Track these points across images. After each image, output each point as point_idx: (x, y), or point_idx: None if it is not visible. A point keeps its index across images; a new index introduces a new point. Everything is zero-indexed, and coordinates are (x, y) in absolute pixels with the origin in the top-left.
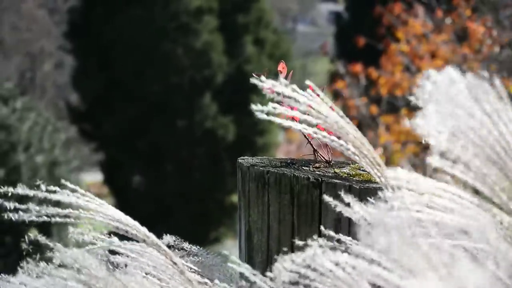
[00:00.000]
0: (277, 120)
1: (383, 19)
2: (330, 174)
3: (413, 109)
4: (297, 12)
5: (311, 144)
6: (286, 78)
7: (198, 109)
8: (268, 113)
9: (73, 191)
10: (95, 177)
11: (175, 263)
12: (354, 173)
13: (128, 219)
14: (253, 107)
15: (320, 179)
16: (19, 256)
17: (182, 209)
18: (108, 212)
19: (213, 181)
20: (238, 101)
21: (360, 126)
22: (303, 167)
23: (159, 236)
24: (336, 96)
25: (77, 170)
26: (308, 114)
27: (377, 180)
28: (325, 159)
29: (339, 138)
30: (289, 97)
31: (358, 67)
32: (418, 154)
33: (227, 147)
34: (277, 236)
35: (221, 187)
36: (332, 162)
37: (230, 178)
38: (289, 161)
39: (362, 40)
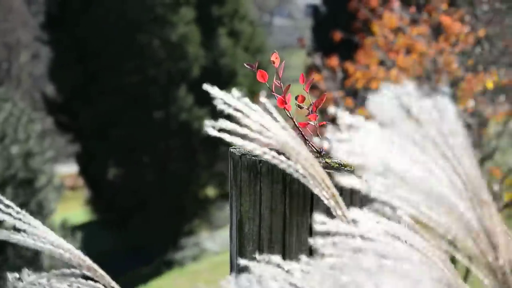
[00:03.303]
0: (227, 137)
1: (359, 12)
2: (321, 164)
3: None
4: (274, 5)
5: (303, 134)
6: (278, 68)
7: (174, 101)
8: (220, 130)
9: (7, 206)
10: (70, 168)
11: None
12: (345, 163)
13: (62, 243)
14: (206, 122)
15: None
16: None
17: (157, 201)
18: (42, 234)
19: (188, 173)
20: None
21: (336, 119)
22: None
23: (136, 227)
24: (313, 88)
25: (52, 161)
26: (259, 133)
27: (325, 201)
28: (316, 149)
29: (288, 158)
30: (241, 112)
31: (334, 61)
32: None
33: (203, 139)
34: (268, 225)
35: (196, 180)
36: (324, 152)
37: (205, 170)
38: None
39: (338, 34)
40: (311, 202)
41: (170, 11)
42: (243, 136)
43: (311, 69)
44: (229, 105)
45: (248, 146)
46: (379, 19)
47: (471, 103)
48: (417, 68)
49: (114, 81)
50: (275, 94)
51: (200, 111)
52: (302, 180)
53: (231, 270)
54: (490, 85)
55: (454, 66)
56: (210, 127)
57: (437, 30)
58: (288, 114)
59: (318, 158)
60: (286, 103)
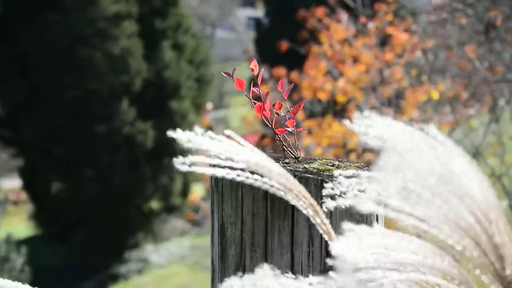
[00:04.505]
0: (199, 170)
1: (307, 23)
2: (301, 169)
3: (335, 115)
4: (216, 17)
5: (281, 141)
6: (257, 76)
7: (117, 114)
8: (190, 165)
9: None
10: (13, 183)
11: None
12: (323, 168)
13: (18, 286)
14: (174, 160)
15: (293, 173)
16: None
17: (101, 214)
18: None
19: (132, 187)
20: (158, 106)
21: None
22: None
23: (80, 241)
24: (259, 100)
25: None
26: (229, 159)
27: (304, 211)
28: (294, 155)
29: (262, 176)
30: (207, 148)
31: (281, 71)
32: (340, 156)
33: (147, 152)
34: (250, 230)
35: (140, 193)
36: (301, 158)
37: (149, 184)
38: None
39: (285, 44)
40: (292, 205)
41: (112, 25)
42: (214, 165)
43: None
44: (194, 142)
45: (220, 172)
46: (326, 30)
47: (415, 114)
48: (364, 79)
49: (57, 95)
50: (253, 101)
51: (143, 124)
52: (278, 193)
53: (212, 275)
54: (435, 95)
55: (399, 77)
56: (180, 163)
57: (384, 41)
58: (267, 121)
59: (296, 164)
60: (264, 110)
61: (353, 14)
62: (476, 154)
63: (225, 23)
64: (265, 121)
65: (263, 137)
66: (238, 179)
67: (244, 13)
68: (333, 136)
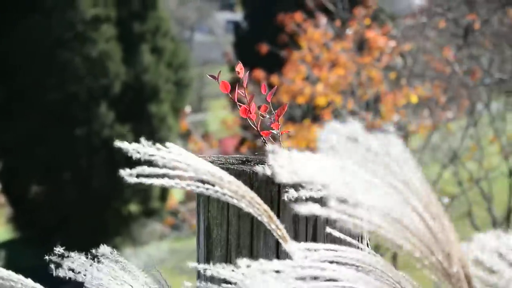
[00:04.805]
0: (148, 181)
1: (286, 27)
2: None
3: (314, 120)
4: (194, 21)
5: (266, 143)
6: (243, 78)
7: (96, 118)
8: (138, 176)
9: None
10: None
11: None
12: None
13: (11, 275)
14: (121, 172)
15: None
16: None
17: (80, 218)
18: None
19: (111, 190)
20: (136, 110)
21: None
22: (259, 165)
23: (59, 244)
24: (237, 103)
25: None
26: (177, 169)
27: (258, 218)
28: None
29: (213, 185)
30: (153, 156)
31: (260, 74)
32: None
33: (126, 156)
34: (236, 231)
35: (119, 196)
36: None
37: (128, 187)
38: (244, 159)
39: (265, 47)
40: (278, 207)
41: (90, 28)
42: (163, 176)
43: (235, 83)
44: (142, 152)
45: (169, 183)
46: (305, 34)
47: (395, 118)
48: (342, 83)
49: (37, 97)
50: (238, 104)
51: (121, 127)
52: (231, 201)
53: (198, 277)
54: (414, 99)
55: (378, 81)
56: (127, 175)
57: (362, 45)
58: (252, 123)
59: None
60: (250, 113)
61: (333, 18)
62: (454, 158)
63: (204, 26)
64: (244, 124)
65: (243, 140)
66: (188, 188)
67: (223, 16)
68: (311, 140)
